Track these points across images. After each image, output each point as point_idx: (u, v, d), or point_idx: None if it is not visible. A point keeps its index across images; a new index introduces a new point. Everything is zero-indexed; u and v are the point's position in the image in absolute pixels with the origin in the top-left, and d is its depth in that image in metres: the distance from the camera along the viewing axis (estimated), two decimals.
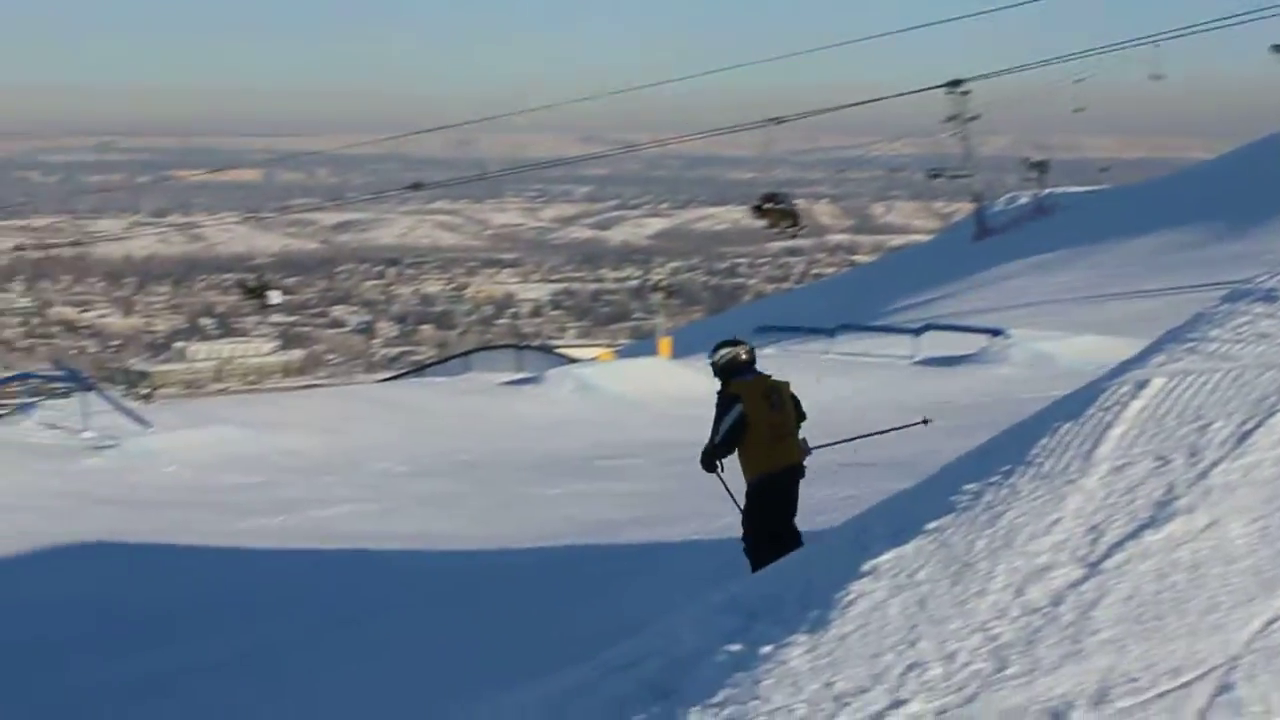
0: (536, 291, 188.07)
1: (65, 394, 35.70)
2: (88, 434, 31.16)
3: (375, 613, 15.47)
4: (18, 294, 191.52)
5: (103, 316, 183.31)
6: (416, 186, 44.35)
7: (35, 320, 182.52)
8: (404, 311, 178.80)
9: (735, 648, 6.13)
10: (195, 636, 15.39)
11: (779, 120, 28.66)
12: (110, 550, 20.76)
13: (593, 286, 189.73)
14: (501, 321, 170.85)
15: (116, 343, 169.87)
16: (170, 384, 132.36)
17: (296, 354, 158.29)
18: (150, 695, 13.42)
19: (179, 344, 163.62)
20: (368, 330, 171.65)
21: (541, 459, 28.75)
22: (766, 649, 5.99)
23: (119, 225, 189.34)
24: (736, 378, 11.22)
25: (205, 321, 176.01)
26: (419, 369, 65.05)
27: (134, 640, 15.47)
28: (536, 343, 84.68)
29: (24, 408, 35.51)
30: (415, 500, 24.47)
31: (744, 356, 11.37)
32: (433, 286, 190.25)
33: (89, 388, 33.65)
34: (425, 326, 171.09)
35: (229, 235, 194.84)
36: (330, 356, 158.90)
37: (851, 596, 6.25)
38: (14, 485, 26.89)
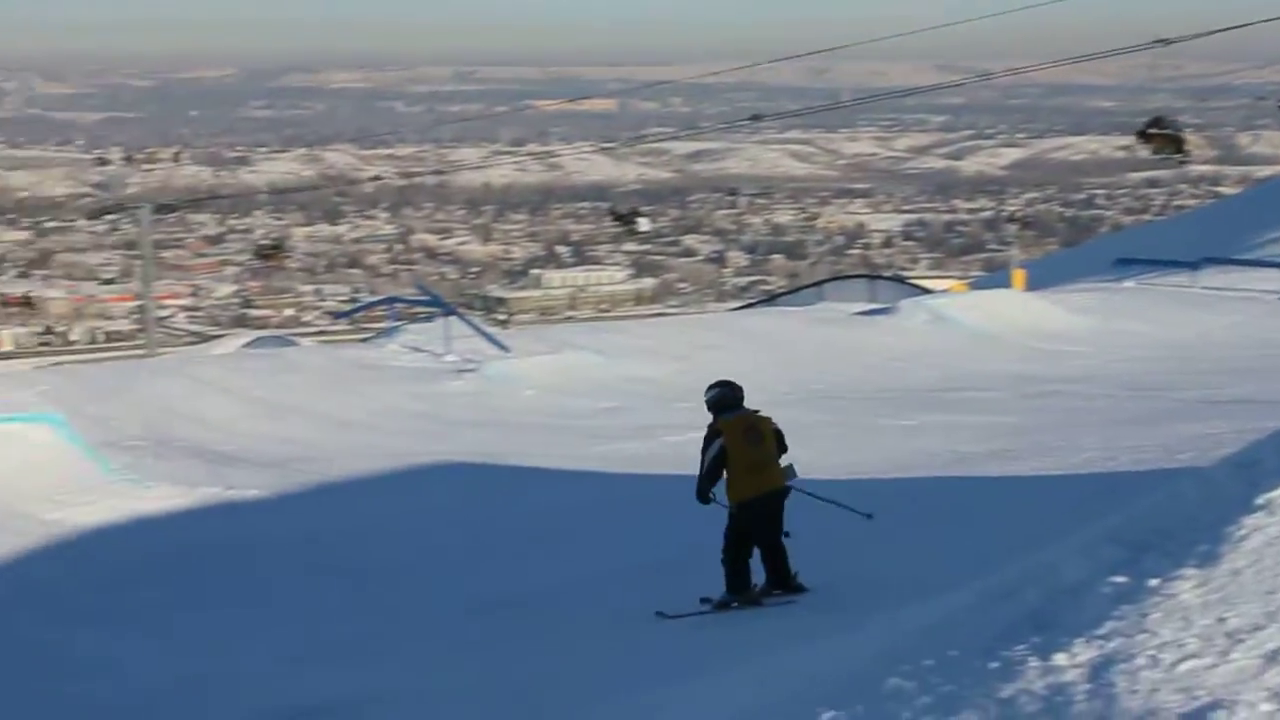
0: (888, 222, 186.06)
1: (428, 318, 36.69)
2: (450, 357, 31.98)
3: None
4: (382, 221, 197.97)
5: (462, 243, 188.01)
6: (756, 118, 44.08)
7: (398, 246, 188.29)
8: (755, 241, 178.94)
9: (1120, 580, 5.91)
10: (555, 557, 15.67)
11: (1165, 42, 27.39)
12: (472, 471, 21.29)
13: (945, 217, 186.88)
14: (852, 252, 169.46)
15: (475, 269, 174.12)
16: (526, 310, 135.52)
17: (648, 282, 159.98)
18: (508, 610, 13.72)
19: (535, 271, 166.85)
20: (719, 259, 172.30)
21: (894, 390, 28.48)
22: (1153, 582, 5.76)
23: (478, 154, 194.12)
24: (723, 414, 12.21)
25: (561, 249, 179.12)
26: (770, 298, 65.12)
27: (496, 559, 15.82)
28: (888, 273, 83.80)
29: (389, 331, 36.63)
30: None
31: (732, 395, 12.32)
32: (784, 216, 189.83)
33: (451, 312, 34.49)
34: (776, 256, 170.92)
35: (585, 164, 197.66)
36: (681, 285, 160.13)
37: (1244, 531, 5.97)
38: (380, 406, 27.81)
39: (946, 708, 5.11)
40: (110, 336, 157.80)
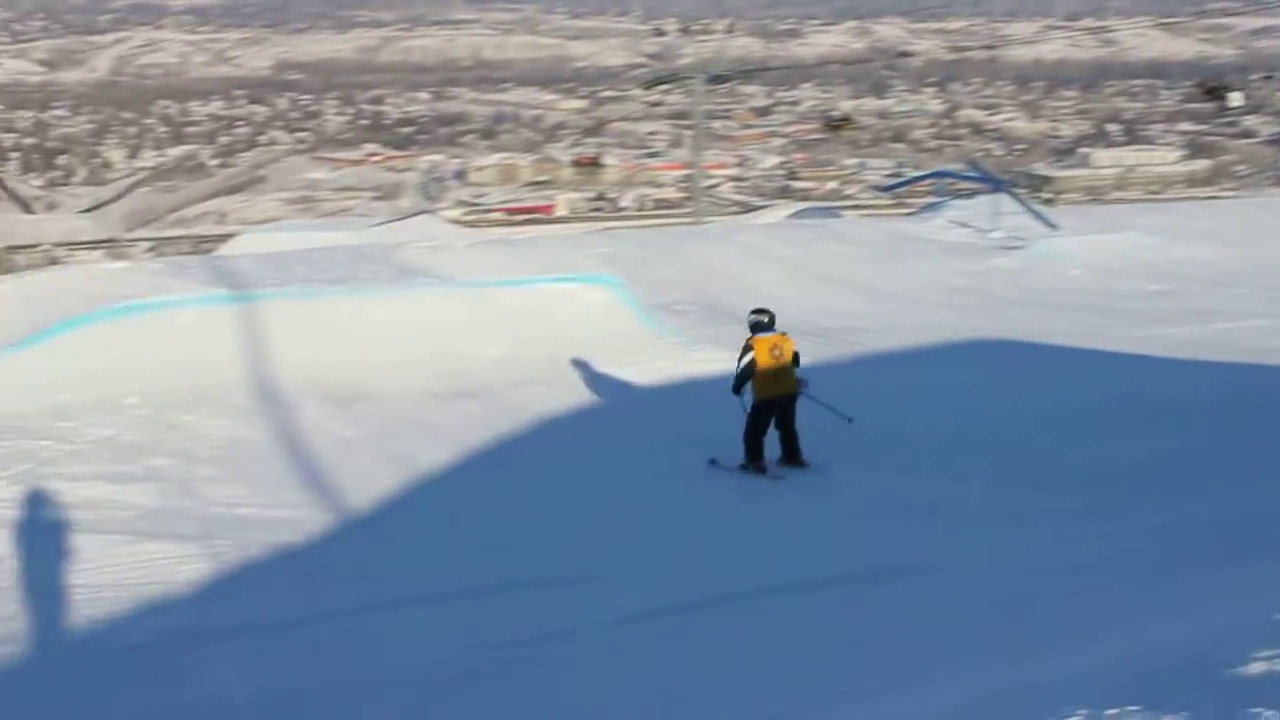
0: None
1: (972, 194, 36.29)
2: (996, 234, 31.62)
3: None
4: (929, 96, 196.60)
5: (1009, 120, 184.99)
6: None
7: (944, 122, 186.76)
8: None
9: None
10: (1114, 437, 15.34)
11: None
12: (1012, 348, 21.05)
13: None
14: None
15: (1021, 146, 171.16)
16: (1071, 189, 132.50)
17: (1202, 164, 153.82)
18: (1065, 489, 13.54)
19: (1083, 150, 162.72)
20: None
21: None
22: None
23: (1031, 29, 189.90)
24: (757, 333, 15.24)
25: (1111, 128, 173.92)
26: None
27: (1047, 436, 15.59)
28: None
29: (935, 206, 36.42)
30: None
31: (765, 320, 15.35)
32: None
33: (1000, 189, 34.00)
34: None
35: (1141, 40, 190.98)
36: (1239, 168, 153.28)
37: None
38: (924, 280, 27.75)
39: None
40: (658, 204, 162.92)
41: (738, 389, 15.16)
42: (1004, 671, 7.07)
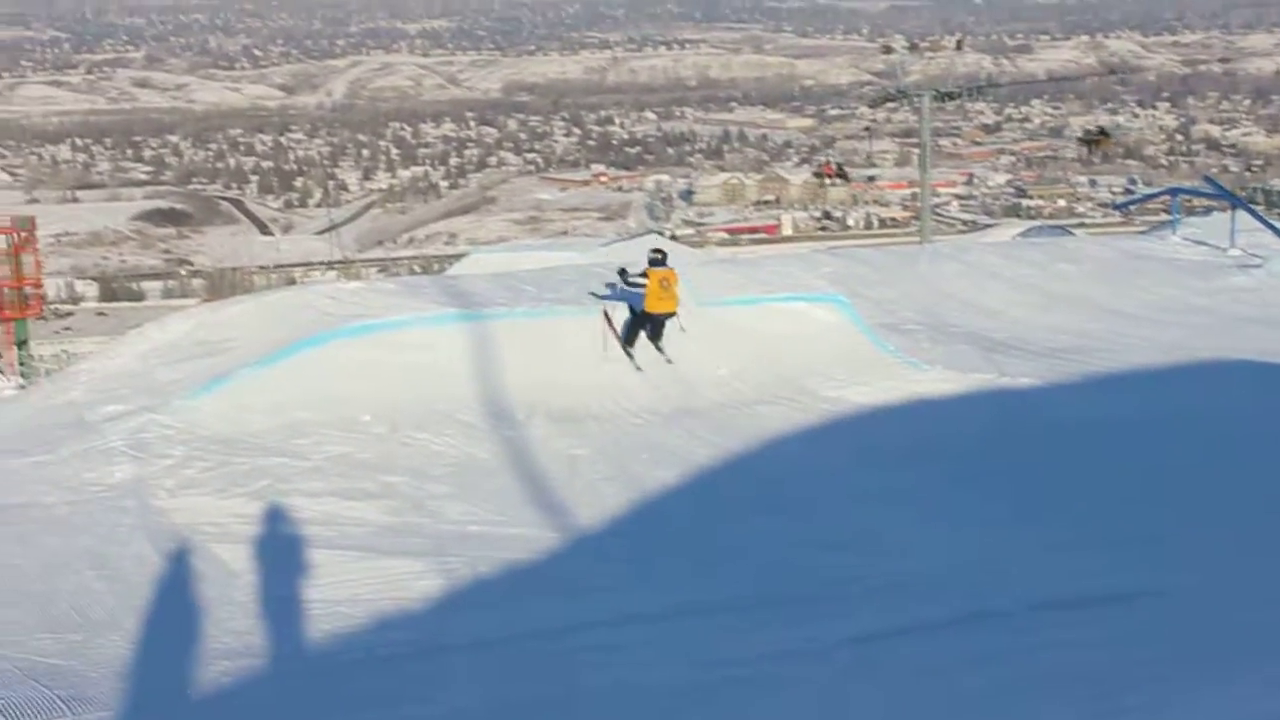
0: None
1: (1208, 211, 35.39)
2: (1233, 252, 30.86)
3: None
4: (1162, 111, 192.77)
5: (1246, 135, 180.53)
6: None
7: (1178, 137, 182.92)
8: None
9: None
10: None
11: None
12: (1258, 369, 20.49)
13: None
14: None
15: (1259, 161, 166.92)
16: None
17: None
18: None
19: None
20: None
21: None
22: None
23: (1270, 40, 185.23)
24: (652, 266, 19.68)
25: None
26: None
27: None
28: None
29: (1170, 223, 35.68)
30: None
31: (660, 258, 19.88)
32: None
33: (1240, 205, 33.15)
34: None
35: None
36: None
37: None
38: (1157, 299, 27.16)
39: None
40: (883, 222, 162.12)
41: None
42: (1254, 698, 6.91)
